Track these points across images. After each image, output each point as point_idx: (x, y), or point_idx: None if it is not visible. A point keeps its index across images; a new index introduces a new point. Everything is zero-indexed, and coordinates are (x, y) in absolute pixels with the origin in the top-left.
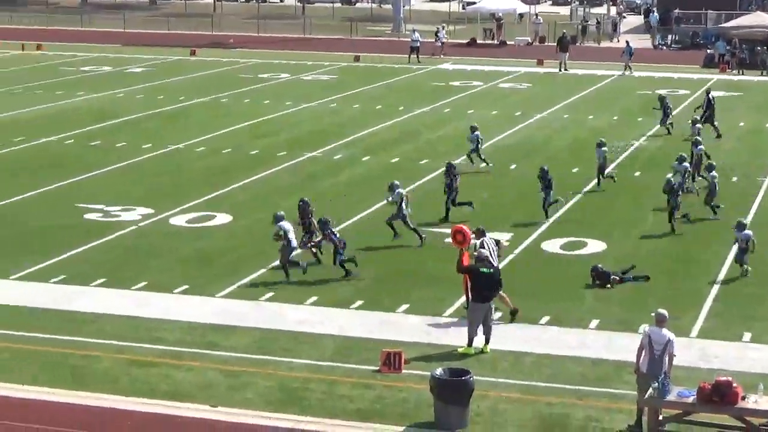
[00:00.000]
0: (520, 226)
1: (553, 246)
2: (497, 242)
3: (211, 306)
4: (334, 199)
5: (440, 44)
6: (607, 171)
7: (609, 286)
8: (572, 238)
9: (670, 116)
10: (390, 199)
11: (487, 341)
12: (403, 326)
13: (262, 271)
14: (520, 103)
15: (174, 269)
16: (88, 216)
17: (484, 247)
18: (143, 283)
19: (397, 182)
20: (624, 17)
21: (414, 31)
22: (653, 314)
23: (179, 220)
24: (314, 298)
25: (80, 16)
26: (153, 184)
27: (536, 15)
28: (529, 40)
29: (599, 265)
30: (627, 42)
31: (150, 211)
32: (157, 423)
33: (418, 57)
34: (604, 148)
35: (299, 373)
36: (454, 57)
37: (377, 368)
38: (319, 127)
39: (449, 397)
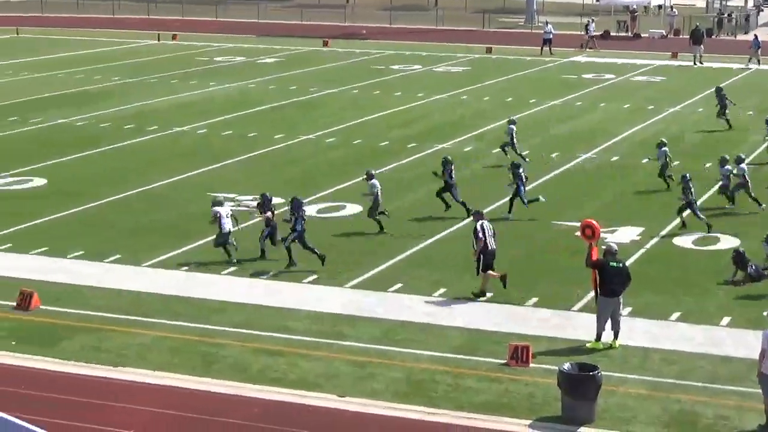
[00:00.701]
0: (652, 220)
1: (685, 241)
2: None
3: (340, 296)
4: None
5: (590, 37)
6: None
7: (744, 275)
8: (705, 234)
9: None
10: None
11: (615, 336)
12: (531, 320)
13: (391, 262)
14: (652, 96)
15: (303, 259)
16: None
17: (483, 229)
18: (272, 272)
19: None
20: (762, 10)
21: (546, 23)
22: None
23: (309, 210)
24: (442, 290)
25: (215, 7)
26: (284, 174)
27: (671, 7)
28: (664, 33)
29: (741, 249)
30: (755, 35)
31: (280, 200)
32: (284, 411)
33: (550, 49)
34: (664, 148)
35: (426, 364)
36: (588, 49)
37: (504, 361)
38: (449, 118)
39: (577, 392)
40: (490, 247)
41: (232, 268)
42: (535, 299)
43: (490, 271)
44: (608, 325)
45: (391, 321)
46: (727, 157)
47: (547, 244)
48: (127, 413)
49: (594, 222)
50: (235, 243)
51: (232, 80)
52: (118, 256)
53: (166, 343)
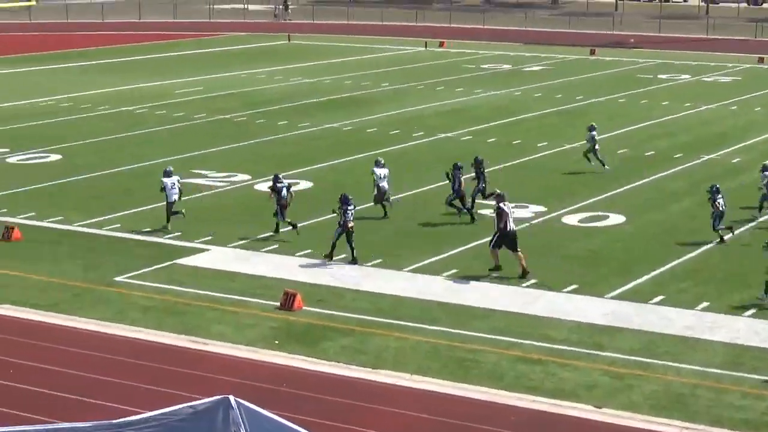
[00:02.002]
0: None
1: None
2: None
3: (600, 306)
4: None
5: None
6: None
7: None
8: None
9: None
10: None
11: None
12: None
13: (653, 273)
14: None
15: (564, 268)
16: (483, 212)
17: (505, 211)
18: (533, 281)
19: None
20: None
21: None
22: None
23: (571, 219)
24: (705, 304)
25: (482, 14)
26: (547, 182)
27: None
28: None
29: None
30: None
31: (543, 208)
32: (540, 420)
33: None
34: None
35: (686, 378)
36: None
37: None
38: (717, 129)
39: None
40: (510, 228)
41: (494, 274)
42: None
43: (519, 254)
44: None
45: (651, 333)
46: None
47: None
48: (384, 416)
49: None
50: (183, 213)
51: (497, 88)
52: (379, 260)
53: (424, 348)
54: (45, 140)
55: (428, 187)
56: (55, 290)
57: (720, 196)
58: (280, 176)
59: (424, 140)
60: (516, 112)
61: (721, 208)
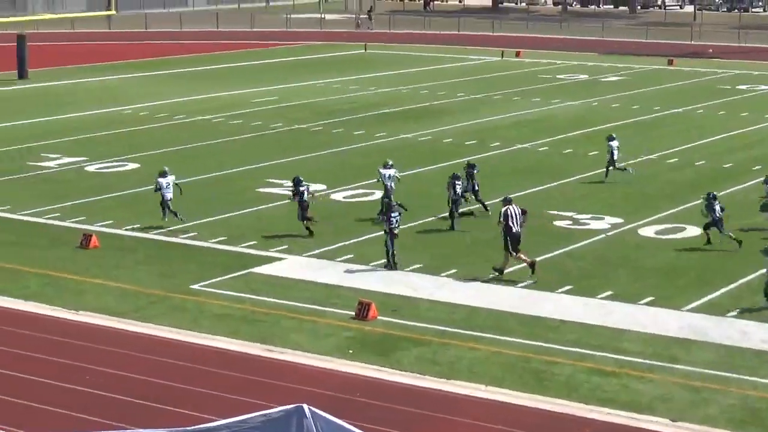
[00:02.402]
0: None
1: None
2: (523, 211)
3: (676, 319)
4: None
5: None
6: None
7: None
8: None
9: None
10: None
11: None
12: None
13: (731, 286)
14: None
15: (640, 280)
16: (558, 223)
17: (509, 214)
18: (609, 292)
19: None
20: None
21: None
22: None
23: (648, 231)
24: None
25: (559, 24)
26: (624, 193)
27: None
28: None
29: None
30: None
31: (619, 220)
32: None
33: None
34: None
35: (763, 392)
36: None
37: None
38: None
39: None
40: (513, 230)
41: (568, 287)
42: None
43: (521, 255)
44: None
45: (728, 346)
46: None
47: None
48: (458, 427)
49: None
50: (182, 219)
51: (574, 98)
52: (454, 270)
53: (499, 359)
54: (122, 149)
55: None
56: (132, 297)
57: (717, 202)
58: (301, 179)
59: (501, 151)
60: (592, 123)
61: (718, 214)
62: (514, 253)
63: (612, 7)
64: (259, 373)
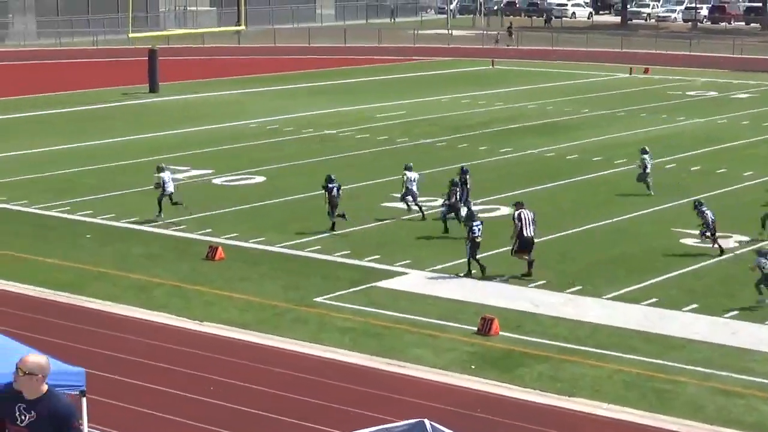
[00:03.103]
0: None
1: None
2: (533, 214)
3: None
4: None
5: None
6: None
7: None
8: None
9: None
10: None
11: None
12: None
13: None
14: None
15: (729, 295)
16: (684, 241)
17: (521, 219)
18: (735, 312)
19: None
20: None
21: None
22: None
23: None
24: None
25: (689, 41)
26: (752, 211)
27: None
28: None
29: None
30: None
31: (746, 238)
32: None
33: None
34: None
35: None
36: None
37: None
38: None
39: None
40: (525, 234)
41: (694, 305)
42: None
43: (523, 255)
44: None
45: None
46: None
47: None
48: None
49: None
50: (187, 207)
51: (702, 115)
52: (579, 287)
53: (621, 377)
54: (249, 162)
55: (630, 215)
56: (256, 309)
57: (705, 208)
58: (333, 177)
59: (627, 167)
60: (721, 140)
61: (710, 220)
62: (523, 255)
63: (743, 24)
64: (379, 386)
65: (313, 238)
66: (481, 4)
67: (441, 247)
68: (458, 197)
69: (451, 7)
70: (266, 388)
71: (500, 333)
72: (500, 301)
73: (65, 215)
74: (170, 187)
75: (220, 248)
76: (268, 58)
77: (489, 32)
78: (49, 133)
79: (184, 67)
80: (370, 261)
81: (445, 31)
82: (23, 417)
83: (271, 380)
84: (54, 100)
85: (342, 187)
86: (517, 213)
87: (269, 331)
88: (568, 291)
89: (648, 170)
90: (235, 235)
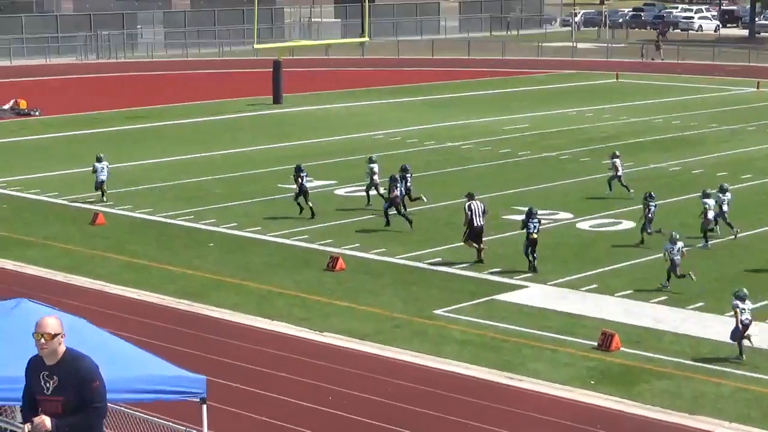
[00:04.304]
0: None
1: None
2: (483, 206)
3: None
4: None
5: None
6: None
7: None
8: None
9: None
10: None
11: None
12: None
13: None
14: None
15: None
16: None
17: (471, 209)
18: None
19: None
20: None
21: None
22: None
23: None
24: None
25: None
26: None
27: None
28: None
29: None
30: None
31: None
32: None
33: None
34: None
35: None
36: None
37: None
38: None
39: None
40: (475, 224)
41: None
42: None
43: (474, 244)
44: None
45: None
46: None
47: None
48: None
49: None
50: (104, 193)
51: None
52: (700, 303)
53: (744, 395)
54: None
55: (752, 232)
56: (375, 321)
57: (652, 201)
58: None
59: (753, 183)
60: None
61: (650, 215)
62: (473, 243)
63: None
64: (498, 400)
65: (433, 249)
66: (606, 17)
67: (561, 261)
68: (400, 192)
69: (576, 19)
70: (385, 399)
71: (621, 348)
72: (621, 317)
73: (189, 224)
74: (102, 176)
75: (340, 259)
76: (392, 70)
77: (613, 45)
78: (175, 143)
79: (308, 79)
80: (490, 274)
81: (570, 44)
82: (48, 384)
83: (389, 391)
84: (180, 111)
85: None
86: (467, 204)
87: (388, 343)
88: (689, 307)
89: (619, 173)
90: (356, 245)
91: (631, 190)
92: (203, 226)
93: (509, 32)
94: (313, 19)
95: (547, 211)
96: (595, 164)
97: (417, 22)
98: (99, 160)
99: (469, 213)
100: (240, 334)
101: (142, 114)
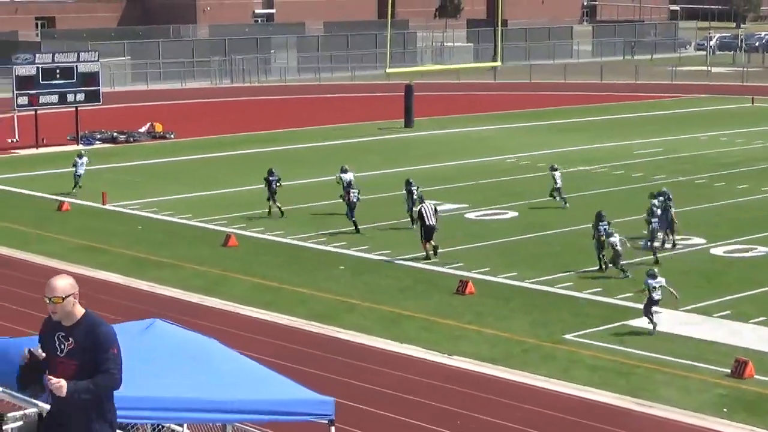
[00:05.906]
0: None
1: None
2: (434, 207)
3: None
4: None
5: None
6: None
7: None
8: None
9: None
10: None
11: None
12: None
13: None
14: None
15: None
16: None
17: (423, 211)
18: None
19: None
20: None
21: None
22: None
23: None
24: None
25: None
26: None
27: None
28: None
29: None
30: None
31: None
32: None
33: None
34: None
35: None
36: None
37: None
38: None
39: None
40: (428, 223)
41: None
42: None
43: (427, 243)
44: None
45: None
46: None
47: None
48: None
49: None
50: (80, 185)
51: None
52: None
53: None
54: (502, 197)
55: None
56: (505, 345)
57: (607, 225)
58: (274, 170)
59: None
60: None
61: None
62: (426, 242)
63: None
64: (628, 426)
65: (564, 274)
66: (742, 41)
67: (694, 287)
68: (407, 205)
69: (711, 43)
70: (513, 424)
71: (754, 376)
72: (754, 343)
73: (320, 246)
74: (80, 169)
75: (470, 282)
76: (524, 94)
77: (749, 68)
78: (306, 166)
79: (439, 103)
80: (621, 299)
81: (704, 68)
82: (62, 346)
83: (518, 416)
84: (313, 134)
85: (281, 180)
86: (419, 207)
87: (518, 367)
88: None
89: (557, 185)
90: (486, 269)
91: (567, 204)
92: (333, 249)
93: (633, 56)
94: (445, 44)
95: (680, 237)
96: (731, 189)
97: (550, 46)
98: (80, 156)
99: (423, 214)
100: (369, 356)
101: (275, 137)
